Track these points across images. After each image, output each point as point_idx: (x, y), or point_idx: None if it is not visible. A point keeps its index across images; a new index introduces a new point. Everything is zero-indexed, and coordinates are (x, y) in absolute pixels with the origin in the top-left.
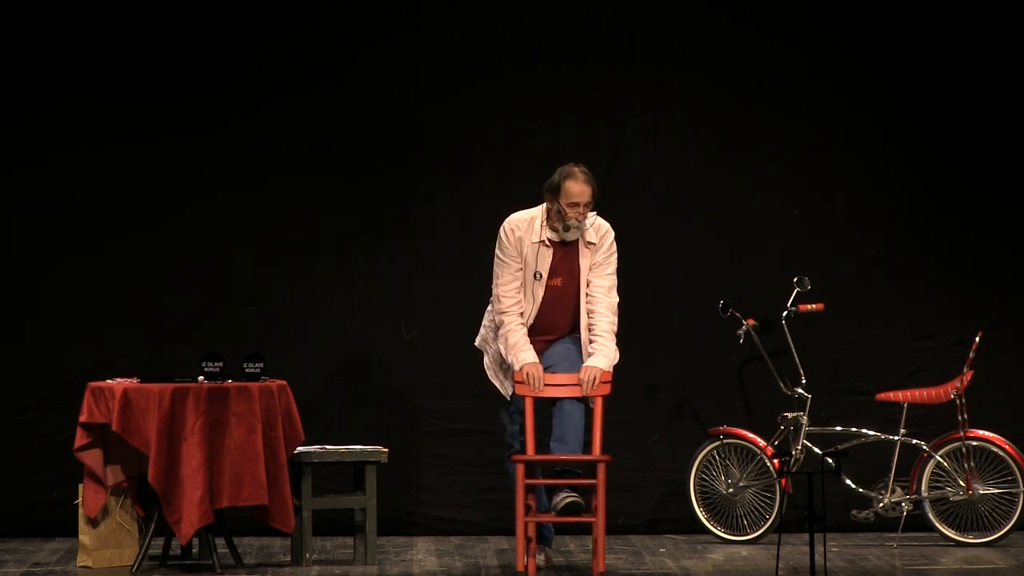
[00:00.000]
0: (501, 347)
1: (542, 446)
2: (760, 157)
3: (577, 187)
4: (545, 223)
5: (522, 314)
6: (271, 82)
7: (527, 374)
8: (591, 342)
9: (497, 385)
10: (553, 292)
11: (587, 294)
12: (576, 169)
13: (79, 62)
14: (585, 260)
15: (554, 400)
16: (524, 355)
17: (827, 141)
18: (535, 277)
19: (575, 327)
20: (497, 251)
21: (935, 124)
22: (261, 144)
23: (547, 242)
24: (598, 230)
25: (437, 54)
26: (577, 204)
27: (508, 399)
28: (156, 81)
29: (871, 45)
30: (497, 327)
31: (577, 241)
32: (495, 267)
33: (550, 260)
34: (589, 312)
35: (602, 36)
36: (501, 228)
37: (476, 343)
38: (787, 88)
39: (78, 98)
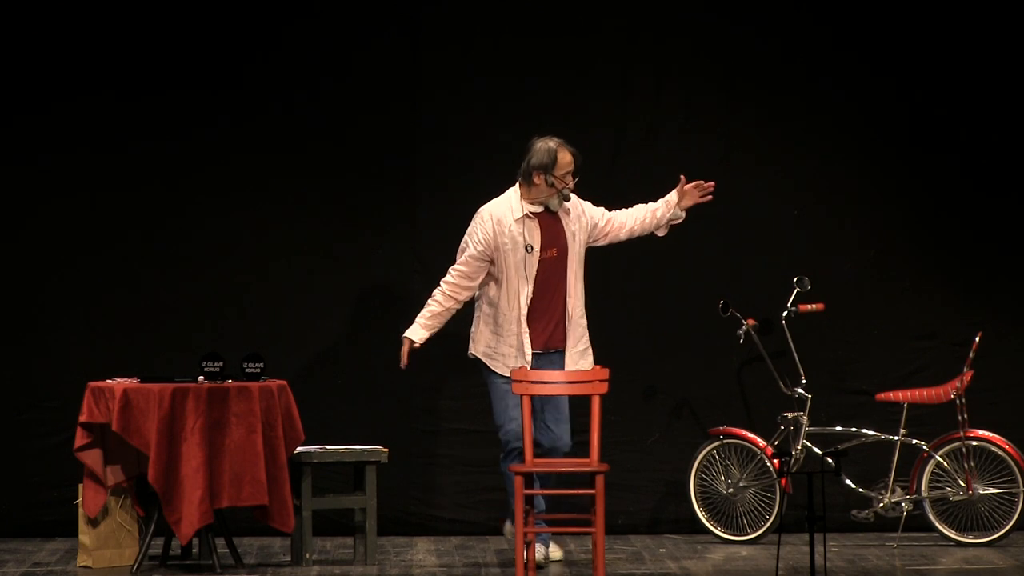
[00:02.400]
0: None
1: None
2: (760, 157)
3: (567, 156)
4: (524, 199)
5: (454, 301)
6: (271, 82)
7: (404, 347)
8: (651, 212)
9: (495, 366)
10: (547, 264)
11: (608, 230)
12: (554, 141)
13: (79, 63)
14: (569, 226)
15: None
16: (414, 329)
17: (827, 141)
18: (527, 251)
19: (563, 317)
20: (471, 234)
21: (935, 124)
22: (261, 144)
23: (531, 215)
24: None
25: (437, 54)
26: (569, 172)
27: (507, 376)
28: (156, 81)
29: (870, 45)
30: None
31: (559, 213)
32: (462, 248)
33: (539, 232)
34: (624, 223)
35: (602, 37)
36: (478, 216)
37: (471, 347)
38: (786, 88)
39: (76, 99)
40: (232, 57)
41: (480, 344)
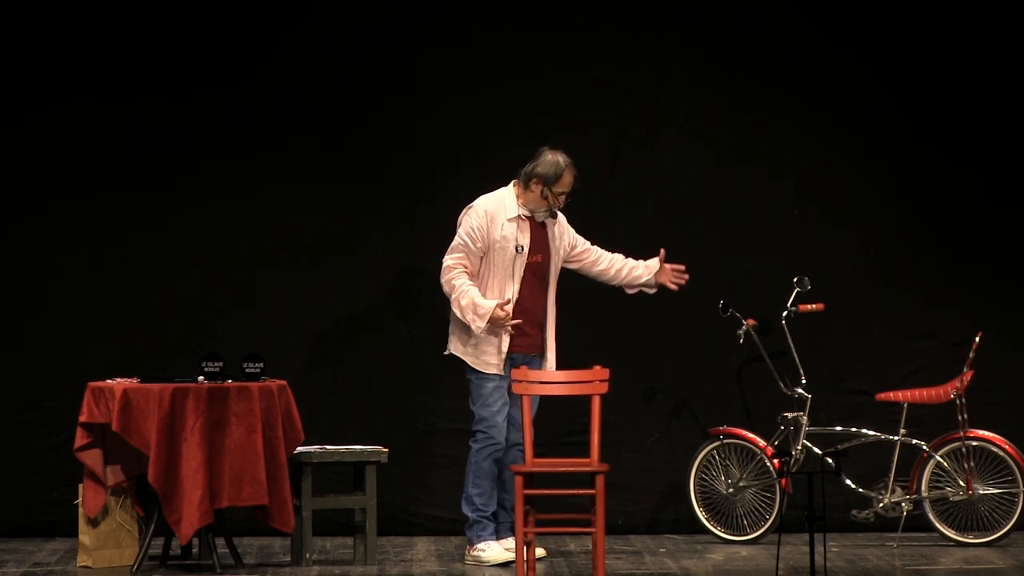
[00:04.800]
0: (455, 307)
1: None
2: (760, 157)
3: (570, 177)
4: (519, 200)
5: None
6: (271, 83)
7: (497, 315)
8: (629, 267)
9: (478, 364)
10: (533, 269)
11: (583, 257)
12: (564, 159)
13: (79, 63)
14: (553, 239)
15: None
16: (486, 301)
17: (827, 142)
18: (516, 251)
19: (544, 323)
20: (465, 232)
21: (935, 125)
22: (261, 145)
23: (523, 217)
24: None
25: (437, 55)
26: (566, 192)
27: (492, 374)
28: (156, 82)
29: (870, 46)
30: (446, 290)
31: (545, 221)
32: (456, 241)
33: (529, 235)
34: (600, 259)
35: (602, 38)
36: (473, 211)
37: (449, 344)
38: (786, 89)
39: (78, 99)
40: (231, 58)
41: (460, 343)
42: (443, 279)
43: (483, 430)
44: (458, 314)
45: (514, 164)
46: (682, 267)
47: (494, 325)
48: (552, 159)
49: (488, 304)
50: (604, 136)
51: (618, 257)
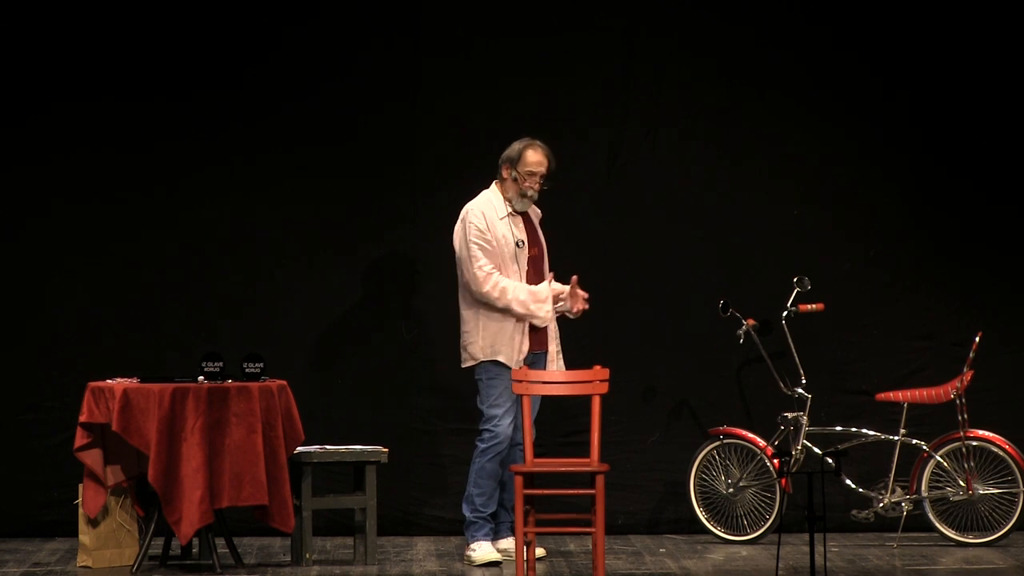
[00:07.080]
0: (517, 306)
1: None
2: (759, 158)
3: (536, 156)
4: (503, 196)
5: None
6: (272, 83)
7: (556, 290)
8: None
9: (503, 359)
10: (532, 262)
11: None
12: (536, 141)
13: (81, 63)
14: (540, 232)
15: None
16: (537, 287)
17: (826, 142)
18: (518, 246)
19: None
20: (474, 236)
21: (934, 125)
22: (262, 145)
23: (513, 213)
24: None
25: (438, 55)
26: (534, 173)
27: (504, 375)
28: (157, 83)
29: (869, 46)
30: (496, 299)
31: (529, 215)
32: (473, 250)
33: (524, 229)
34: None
35: (602, 37)
36: (471, 216)
37: (471, 354)
38: (786, 90)
39: (78, 99)
40: (232, 59)
41: (483, 346)
42: (484, 289)
43: (490, 428)
44: (520, 311)
45: None
46: (586, 294)
47: (553, 302)
48: (516, 143)
49: (541, 288)
50: (604, 136)
51: (548, 280)
